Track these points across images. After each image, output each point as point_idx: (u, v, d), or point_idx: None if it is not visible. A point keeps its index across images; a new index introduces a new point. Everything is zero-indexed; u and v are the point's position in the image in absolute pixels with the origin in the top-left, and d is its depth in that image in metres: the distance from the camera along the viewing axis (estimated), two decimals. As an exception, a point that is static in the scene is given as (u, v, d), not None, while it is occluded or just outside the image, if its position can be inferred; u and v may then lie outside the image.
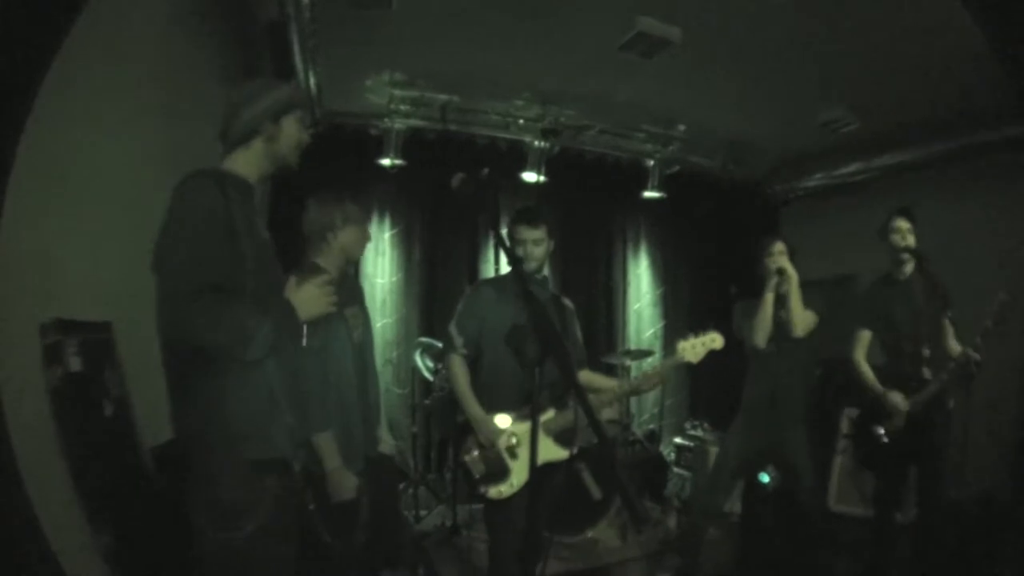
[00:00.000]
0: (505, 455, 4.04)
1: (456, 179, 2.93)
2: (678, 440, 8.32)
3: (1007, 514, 5.53)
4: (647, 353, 8.20)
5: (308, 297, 2.66)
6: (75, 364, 2.96)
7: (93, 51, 2.87)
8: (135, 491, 3.28)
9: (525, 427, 4.01)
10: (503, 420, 4.09)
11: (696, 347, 4.17)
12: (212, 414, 2.47)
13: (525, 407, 4.06)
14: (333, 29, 5.26)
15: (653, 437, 8.39)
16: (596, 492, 6.36)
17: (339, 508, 3.49)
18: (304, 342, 2.79)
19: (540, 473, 3.77)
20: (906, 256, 4.84)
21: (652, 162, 8.47)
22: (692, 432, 8.31)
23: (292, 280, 2.88)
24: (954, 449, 4.87)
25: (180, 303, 2.31)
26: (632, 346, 9.11)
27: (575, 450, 4.34)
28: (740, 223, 9.42)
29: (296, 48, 5.15)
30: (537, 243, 4.15)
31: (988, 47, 3.21)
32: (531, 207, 4.70)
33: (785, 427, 4.98)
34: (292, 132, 2.78)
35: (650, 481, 7.60)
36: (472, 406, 4.09)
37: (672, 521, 6.88)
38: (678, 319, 9.56)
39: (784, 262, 4.86)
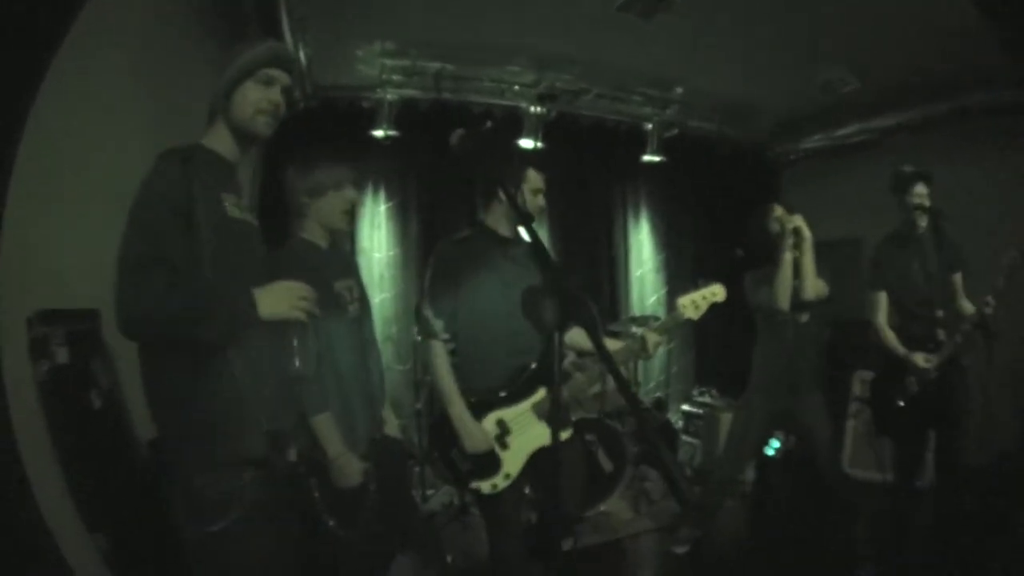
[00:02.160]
0: (495, 446, 3.66)
1: (455, 135, 2.74)
2: (686, 407, 8.21)
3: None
4: (651, 318, 7.99)
5: (276, 294, 2.48)
6: (62, 356, 2.84)
7: (81, 36, 2.70)
8: (129, 486, 3.15)
9: (514, 412, 3.71)
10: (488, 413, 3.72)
11: (696, 301, 3.89)
12: (178, 410, 2.35)
13: (514, 386, 3.74)
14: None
15: (660, 405, 8.29)
16: (607, 464, 6.22)
17: (345, 495, 3.23)
18: (261, 340, 2.55)
19: (539, 459, 3.72)
20: (920, 213, 4.69)
21: (650, 126, 8.32)
22: (700, 399, 8.20)
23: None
24: (974, 412, 4.73)
25: (127, 278, 2.21)
26: (636, 313, 8.95)
27: (571, 429, 3.87)
28: (741, 186, 9.29)
29: (284, 20, 4.97)
30: (541, 192, 3.83)
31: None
32: (542, 149, 4.44)
33: (802, 394, 4.90)
34: (250, 96, 2.57)
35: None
36: (458, 408, 3.62)
37: (687, 487, 6.74)
38: (681, 284, 9.10)
39: (800, 222, 4.70)
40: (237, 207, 2.56)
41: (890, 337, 4.85)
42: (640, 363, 7.62)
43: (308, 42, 5.54)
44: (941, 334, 4.67)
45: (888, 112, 7.50)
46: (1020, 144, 6.58)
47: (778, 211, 4.90)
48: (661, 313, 9.07)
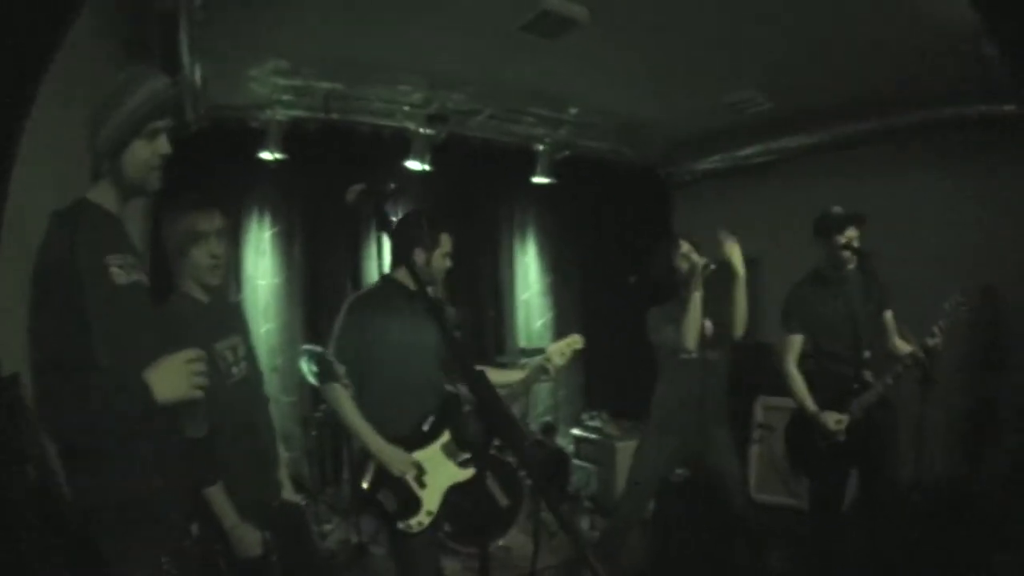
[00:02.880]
0: (414, 485, 3.82)
1: (352, 192, 2.54)
2: (576, 431, 8.10)
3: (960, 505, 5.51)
4: (540, 351, 7.88)
5: (167, 376, 2.28)
6: None
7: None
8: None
9: (426, 453, 3.90)
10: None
11: (562, 350, 4.21)
12: (92, 502, 2.21)
13: (420, 431, 3.94)
14: (221, 17, 4.80)
15: (549, 429, 8.11)
16: (503, 498, 6.08)
17: (248, 566, 3.11)
18: (164, 424, 2.38)
19: (454, 495, 3.89)
20: (847, 254, 4.60)
21: (541, 147, 8.22)
22: (591, 423, 8.06)
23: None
24: (901, 452, 4.70)
25: (33, 385, 2.12)
26: (521, 337, 8.93)
27: (481, 467, 4.30)
28: (634, 207, 9.31)
29: (184, 39, 4.65)
30: (449, 255, 4.13)
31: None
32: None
33: (709, 428, 4.78)
34: (140, 155, 2.39)
35: (553, 476, 7.31)
36: (375, 440, 3.77)
37: (585, 522, 6.67)
38: (568, 308, 9.33)
39: (736, 257, 4.59)
40: (123, 269, 2.37)
41: (800, 388, 4.75)
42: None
43: (204, 62, 5.20)
44: (868, 375, 4.61)
45: (793, 133, 7.53)
46: (945, 163, 6.68)
47: (684, 247, 4.80)
48: (548, 338, 8.94)
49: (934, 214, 6.60)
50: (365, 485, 3.81)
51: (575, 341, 4.24)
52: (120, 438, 2.18)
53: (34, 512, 2.70)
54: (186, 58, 4.89)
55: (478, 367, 2.07)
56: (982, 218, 6.21)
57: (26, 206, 2.33)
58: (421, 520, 3.76)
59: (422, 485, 3.82)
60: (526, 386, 4.35)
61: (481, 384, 2.01)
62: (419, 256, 3.90)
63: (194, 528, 2.61)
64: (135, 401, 2.19)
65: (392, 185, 2.96)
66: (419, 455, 3.85)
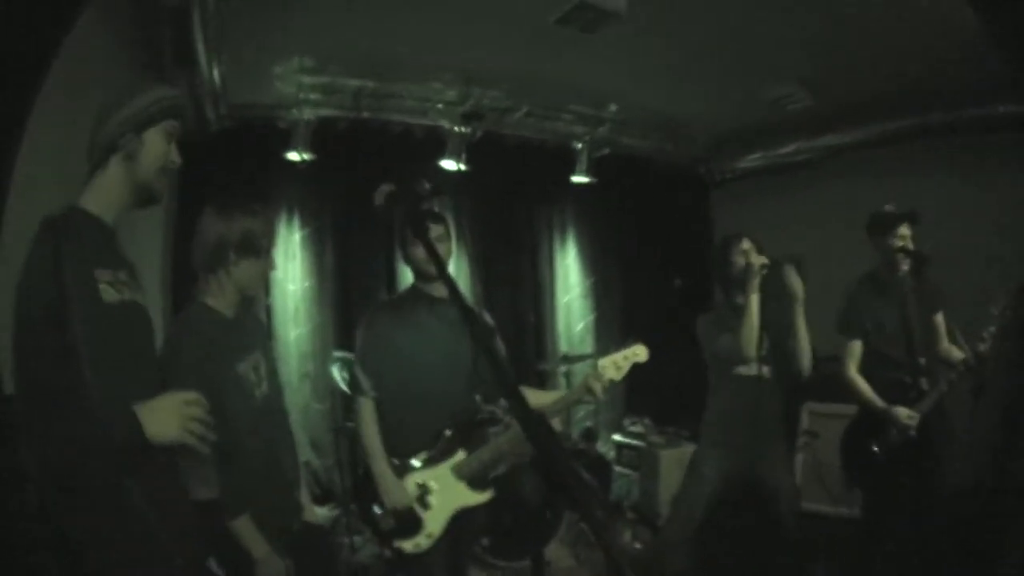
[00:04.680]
0: (416, 506, 3.71)
1: (380, 193, 2.31)
2: (617, 437, 7.89)
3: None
4: (584, 357, 7.74)
5: (163, 413, 2.13)
6: None
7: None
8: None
9: (435, 472, 3.77)
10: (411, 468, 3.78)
11: (618, 362, 3.87)
12: (86, 549, 2.09)
13: (434, 448, 3.80)
14: (239, 13, 4.67)
15: (590, 435, 7.84)
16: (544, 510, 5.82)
17: None
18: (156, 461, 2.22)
19: (457, 521, 3.69)
20: (902, 256, 4.42)
21: (580, 145, 7.99)
22: (632, 428, 7.90)
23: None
24: (956, 460, 4.45)
25: (16, 415, 2.03)
26: (562, 341, 8.71)
27: (492, 490, 3.90)
28: (674, 206, 9.09)
29: (199, 36, 4.51)
30: (444, 243, 3.85)
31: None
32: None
33: (765, 444, 4.50)
34: (158, 149, 2.27)
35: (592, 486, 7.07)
36: (381, 465, 3.71)
37: (628, 534, 6.45)
38: (610, 310, 9.11)
39: (793, 279, 4.29)
40: (113, 286, 2.22)
41: (865, 390, 4.56)
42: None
43: (223, 60, 5.05)
44: (924, 383, 4.41)
45: (834, 131, 7.33)
46: (985, 166, 6.40)
47: (745, 244, 4.51)
48: (589, 341, 8.83)
49: (979, 214, 6.35)
50: (364, 498, 3.80)
51: (638, 353, 3.90)
52: (107, 474, 2.00)
53: (35, 535, 2.57)
54: (202, 56, 4.76)
55: (514, 385, 1.87)
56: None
57: (28, 208, 2.18)
58: (419, 542, 3.66)
59: (425, 506, 3.71)
60: (566, 407, 4.06)
61: (517, 403, 1.76)
62: (414, 250, 3.78)
63: (213, 564, 2.59)
64: (122, 434, 2.03)
65: (427, 185, 2.66)
66: (426, 474, 3.75)
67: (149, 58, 4.76)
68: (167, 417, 2.11)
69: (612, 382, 3.87)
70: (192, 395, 2.20)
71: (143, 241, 4.66)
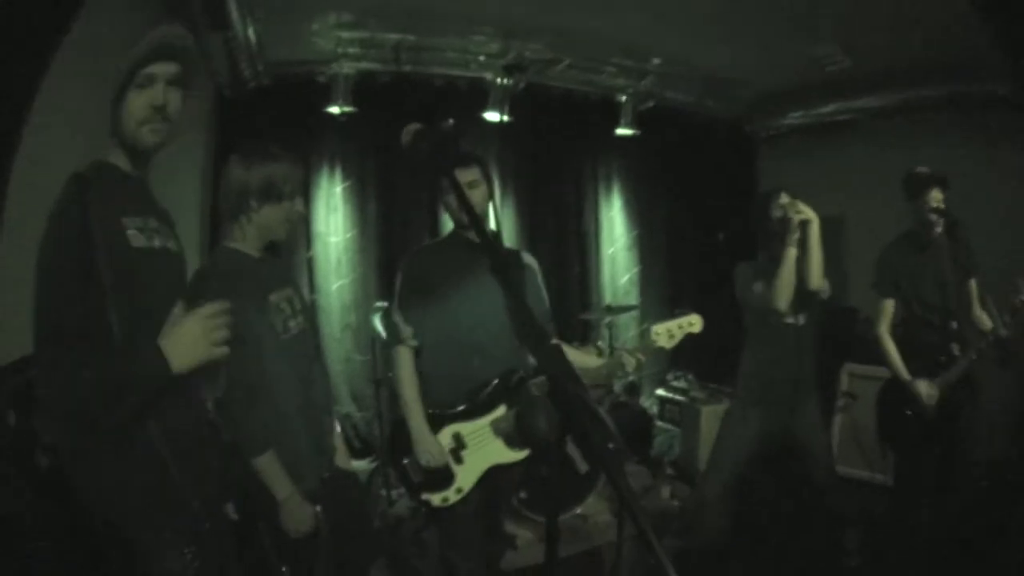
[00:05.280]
0: (449, 458, 3.59)
1: (407, 132, 2.28)
2: (661, 392, 7.87)
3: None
4: (628, 308, 7.85)
5: (184, 339, 2.08)
6: (11, 417, 2.64)
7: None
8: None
9: (472, 427, 3.64)
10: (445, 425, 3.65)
11: (672, 331, 3.68)
12: (107, 496, 2.12)
13: (474, 402, 3.65)
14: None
15: (633, 389, 7.88)
16: (582, 465, 5.78)
17: (297, 542, 2.87)
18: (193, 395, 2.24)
19: (491, 478, 3.60)
20: (936, 218, 4.36)
21: (624, 97, 7.89)
22: (675, 383, 7.79)
23: (178, 307, 2.29)
24: (982, 431, 4.50)
25: (37, 355, 2.03)
26: (607, 293, 8.69)
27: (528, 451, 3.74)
28: (718, 161, 8.96)
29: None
30: (478, 188, 3.61)
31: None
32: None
33: (799, 399, 4.43)
34: (132, 106, 2.20)
35: (634, 438, 7.10)
36: (417, 419, 3.57)
37: (667, 490, 6.45)
38: (655, 263, 9.08)
39: (809, 213, 4.18)
40: (143, 232, 2.21)
41: (893, 356, 4.56)
42: (609, 343, 7.23)
43: (258, 17, 5.04)
44: (955, 348, 4.38)
45: (874, 93, 7.23)
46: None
47: (785, 199, 4.36)
48: (633, 294, 8.80)
49: (1002, 185, 6.27)
50: (397, 448, 3.65)
51: (692, 323, 3.72)
52: (131, 415, 2.02)
53: (44, 502, 2.63)
54: (235, 15, 4.74)
55: (553, 342, 1.82)
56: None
57: (49, 167, 2.21)
58: (447, 496, 3.57)
59: (459, 460, 3.61)
60: (607, 376, 4.01)
61: (553, 360, 1.71)
62: (448, 195, 3.58)
63: (230, 509, 2.57)
64: (148, 371, 2.02)
65: (450, 121, 2.61)
66: (463, 427, 3.64)
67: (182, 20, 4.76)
68: (191, 339, 2.08)
69: (661, 350, 3.72)
70: (212, 307, 2.16)
71: (181, 192, 4.70)
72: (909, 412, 4.42)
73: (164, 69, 2.24)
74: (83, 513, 2.77)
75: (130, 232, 2.16)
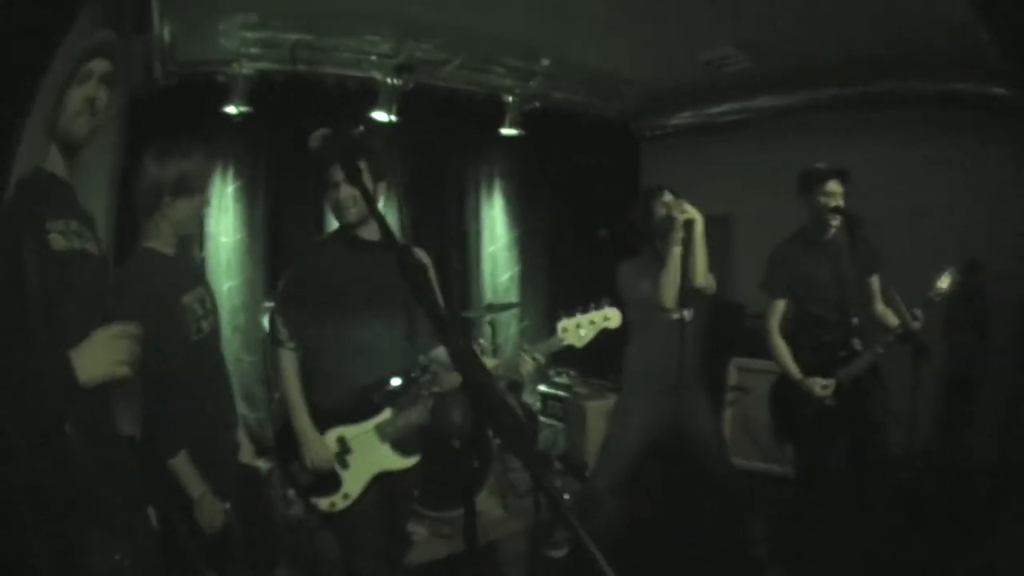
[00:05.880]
0: (335, 463, 3.44)
1: (316, 137, 2.34)
2: (543, 388, 7.98)
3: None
4: (509, 306, 7.90)
5: (93, 352, 2.08)
6: None
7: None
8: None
9: (356, 431, 3.47)
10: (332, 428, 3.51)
11: (583, 327, 3.45)
12: (30, 497, 2.03)
13: (357, 405, 3.48)
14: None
15: (515, 386, 7.94)
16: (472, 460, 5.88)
17: (212, 540, 2.96)
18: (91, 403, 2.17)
19: (381, 484, 3.53)
20: (832, 216, 4.44)
21: (511, 98, 8.01)
22: (557, 379, 7.97)
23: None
24: (891, 422, 4.61)
25: None
26: (488, 291, 8.81)
27: (418, 458, 3.66)
28: (603, 161, 9.16)
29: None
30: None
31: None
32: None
33: (687, 392, 4.54)
34: (70, 100, 2.22)
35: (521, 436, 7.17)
36: (302, 420, 3.43)
37: (557, 482, 6.60)
38: (535, 262, 9.23)
39: (693, 212, 4.28)
40: (63, 235, 2.19)
41: (783, 355, 4.64)
42: (492, 341, 7.35)
43: (174, 18, 4.98)
44: (857, 343, 4.50)
45: (769, 93, 7.45)
46: (926, 137, 6.60)
47: (667, 197, 4.47)
48: (513, 292, 8.93)
49: (911, 183, 6.56)
50: (285, 449, 3.52)
51: (609, 317, 3.51)
52: (47, 420, 2.00)
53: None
54: (156, 17, 4.70)
55: (447, 319, 1.82)
56: (962, 192, 6.25)
57: None
58: (335, 502, 3.43)
59: (344, 465, 3.45)
60: (500, 378, 3.96)
61: (465, 356, 1.72)
62: (338, 192, 3.34)
63: (151, 512, 2.53)
64: (57, 379, 1.99)
65: (360, 128, 2.61)
66: (347, 431, 3.47)
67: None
68: (96, 354, 2.07)
69: (570, 349, 3.48)
70: (120, 327, 2.16)
71: (94, 193, 4.62)
72: (806, 412, 4.50)
73: (100, 66, 2.27)
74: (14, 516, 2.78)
75: (51, 236, 2.15)
